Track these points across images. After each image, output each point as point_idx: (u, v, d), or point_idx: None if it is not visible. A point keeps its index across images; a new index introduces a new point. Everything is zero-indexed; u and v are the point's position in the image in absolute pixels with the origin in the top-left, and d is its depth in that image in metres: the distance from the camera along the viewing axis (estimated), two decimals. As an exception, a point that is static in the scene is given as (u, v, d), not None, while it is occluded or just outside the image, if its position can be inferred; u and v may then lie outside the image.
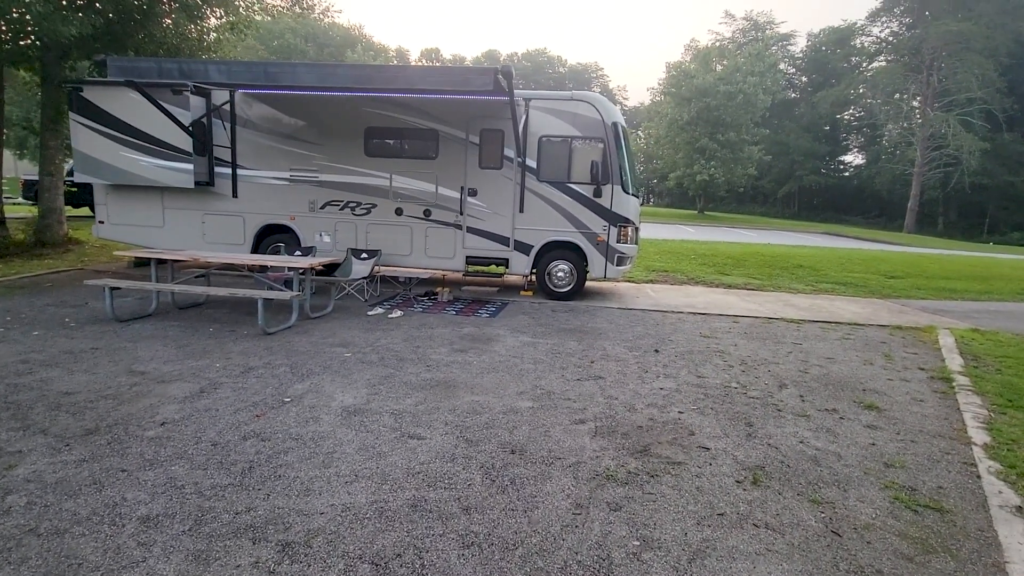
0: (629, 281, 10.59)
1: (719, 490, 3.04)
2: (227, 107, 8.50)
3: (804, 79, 57.82)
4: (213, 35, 13.06)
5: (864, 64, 49.65)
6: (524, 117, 8.01)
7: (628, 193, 8.27)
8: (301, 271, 6.16)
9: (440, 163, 8.39)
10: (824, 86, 52.53)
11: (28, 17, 7.83)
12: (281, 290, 6.29)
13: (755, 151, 38.47)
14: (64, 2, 8.08)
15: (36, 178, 12.68)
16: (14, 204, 19.30)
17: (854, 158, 55.64)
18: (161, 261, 6.67)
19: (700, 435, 3.74)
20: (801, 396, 4.66)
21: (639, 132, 52.81)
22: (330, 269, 8.14)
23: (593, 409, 4.12)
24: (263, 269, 7.55)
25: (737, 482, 3.14)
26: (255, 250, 8.92)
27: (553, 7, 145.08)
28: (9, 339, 5.25)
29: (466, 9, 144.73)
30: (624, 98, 77.90)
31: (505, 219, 8.38)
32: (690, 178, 38.54)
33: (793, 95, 57.64)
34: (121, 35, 10.71)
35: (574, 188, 8.18)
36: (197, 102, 8.31)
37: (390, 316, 6.89)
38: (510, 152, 8.16)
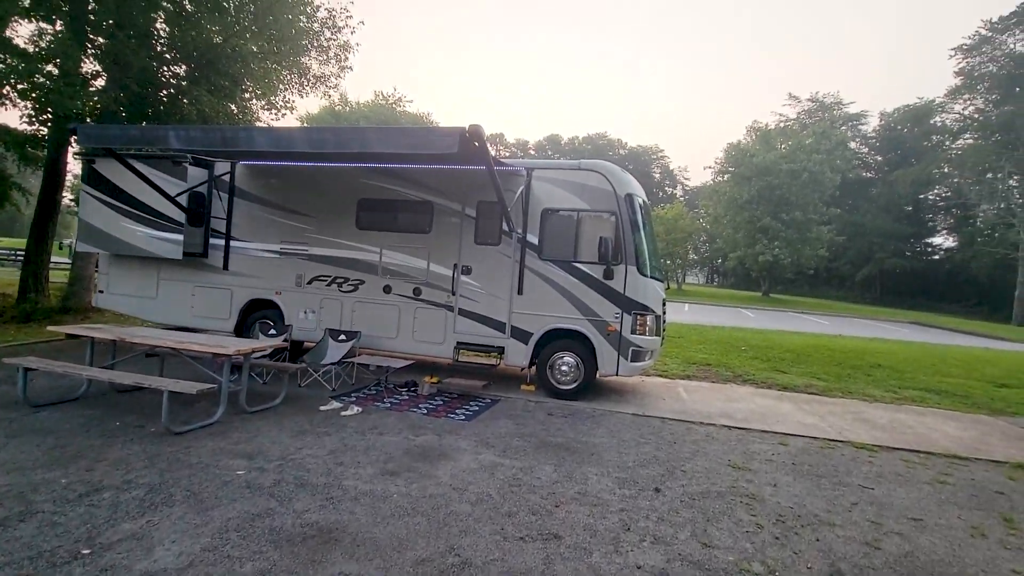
0: (661, 375, 8.96)
1: None
2: (226, 178, 8.27)
3: (879, 158, 54.91)
4: (260, 114, 13.62)
5: (947, 142, 46.26)
6: (523, 188, 7.10)
7: (646, 276, 6.98)
8: (231, 357, 5.23)
9: (433, 237, 7.56)
10: (902, 165, 49.44)
11: (38, 94, 8.04)
12: (213, 379, 5.37)
13: (824, 231, 35.93)
14: (73, 77, 8.30)
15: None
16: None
17: (943, 240, 50.82)
18: (100, 340, 6.01)
19: None
20: (865, 601, 2.95)
21: (700, 211, 51.57)
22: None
23: (514, 607, 2.66)
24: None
25: None
26: (239, 325, 8.31)
27: (616, 94, 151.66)
28: None
29: (531, 96, 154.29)
30: (685, 178, 77.62)
31: (501, 301, 7.27)
32: (752, 258, 36.31)
33: (867, 175, 54.65)
34: (161, 113, 11.17)
35: (581, 268, 7.00)
36: (196, 172, 8.11)
37: (343, 414, 5.76)
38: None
